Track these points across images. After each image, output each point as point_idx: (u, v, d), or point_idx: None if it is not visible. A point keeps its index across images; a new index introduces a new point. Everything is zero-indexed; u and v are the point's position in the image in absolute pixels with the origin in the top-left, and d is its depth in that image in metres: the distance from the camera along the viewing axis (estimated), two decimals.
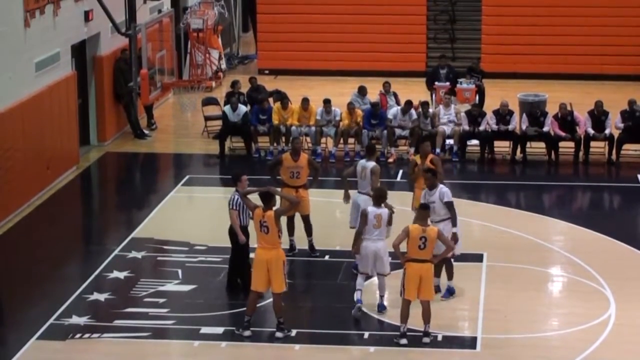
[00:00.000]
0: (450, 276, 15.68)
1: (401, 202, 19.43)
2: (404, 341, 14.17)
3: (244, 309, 14.61)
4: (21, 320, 15.03)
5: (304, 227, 17.12)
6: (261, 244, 14.38)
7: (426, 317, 14.28)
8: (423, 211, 14.57)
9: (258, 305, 14.80)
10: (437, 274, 15.45)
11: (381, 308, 15.07)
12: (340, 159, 22.48)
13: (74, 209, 20.69)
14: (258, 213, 14.40)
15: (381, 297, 15.12)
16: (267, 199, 14.48)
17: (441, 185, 15.49)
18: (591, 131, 22.36)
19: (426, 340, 14.23)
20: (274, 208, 14.62)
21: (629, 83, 28.27)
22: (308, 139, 23.02)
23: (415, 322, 14.40)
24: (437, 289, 15.37)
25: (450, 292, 15.63)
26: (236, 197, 15.48)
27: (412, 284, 14.19)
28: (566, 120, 22.46)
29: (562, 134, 22.37)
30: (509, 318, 15.03)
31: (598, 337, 14.42)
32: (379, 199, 15.08)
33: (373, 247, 14.90)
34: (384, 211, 14.97)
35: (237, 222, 15.54)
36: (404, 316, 14.23)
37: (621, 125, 22.40)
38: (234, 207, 15.50)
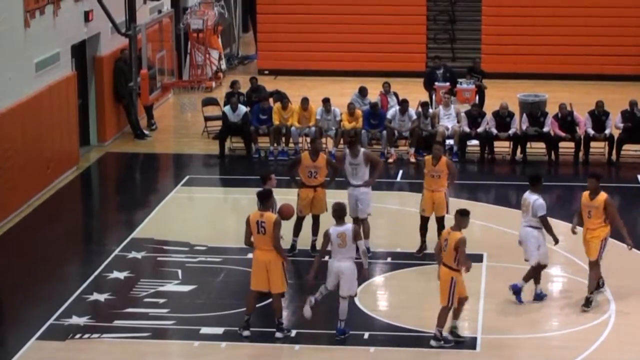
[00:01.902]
0: (536, 280, 15.58)
1: (400, 202, 19.46)
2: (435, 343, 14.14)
3: (244, 309, 14.57)
4: (21, 320, 15.01)
5: (312, 225, 17.11)
6: (259, 246, 14.30)
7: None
8: (460, 217, 14.13)
9: (258, 305, 14.76)
10: (536, 281, 15.50)
11: (340, 333, 14.29)
12: (340, 159, 22.33)
13: (74, 209, 20.66)
14: (255, 214, 14.35)
15: (340, 321, 14.29)
16: (265, 199, 14.44)
17: None
18: (591, 131, 22.36)
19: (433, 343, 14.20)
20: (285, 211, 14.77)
21: (628, 83, 28.27)
22: (308, 139, 22.99)
23: (417, 322, 14.38)
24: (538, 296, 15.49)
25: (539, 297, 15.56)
26: None
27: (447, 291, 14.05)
28: (566, 120, 22.45)
29: (562, 134, 22.37)
30: (508, 318, 14.98)
31: (598, 338, 14.40)
32: (339, 214, 14.37)
33: (336, 266, 14.26)
34: (348, 228, 14.27)
35: None
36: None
37: (621, 125, 22.38)
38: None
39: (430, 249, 17.18)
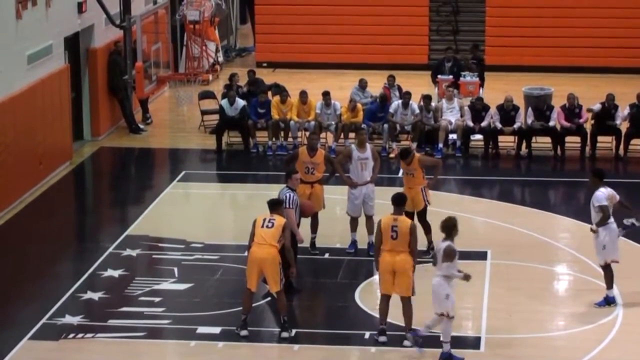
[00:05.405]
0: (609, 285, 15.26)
1: None
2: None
3: (241, 308, 14.40)
4: (13, 319, 14.94)
5: (310, 223, 16.89)
6: (259, 240, 14.07)
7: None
8: None
9: (256, 304, 14.68)
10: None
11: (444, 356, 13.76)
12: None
13: (67, 205, 20.55)
14: (263, 214, 14.25)
15: (444, 343, 13.86)
16: (276, 207, 14.36)
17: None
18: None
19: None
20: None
21: (636, 76, 28.15)
22: (307, 133, 22.71)
23: (419, 322, 14.11)
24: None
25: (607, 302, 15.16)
26: (291, 195, 15.31)
27: None
28: (573, 111, 22.21)
29: (567, 124, 22.04)
30: (513, 317, 14.85)
31: (605, 337, 14.27)
32: (450, 231, 13.69)
33: None
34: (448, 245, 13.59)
35: (295, 221, 15.29)
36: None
37: (627, 115, 22.03)
38: (291, 206, 15.22)
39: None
